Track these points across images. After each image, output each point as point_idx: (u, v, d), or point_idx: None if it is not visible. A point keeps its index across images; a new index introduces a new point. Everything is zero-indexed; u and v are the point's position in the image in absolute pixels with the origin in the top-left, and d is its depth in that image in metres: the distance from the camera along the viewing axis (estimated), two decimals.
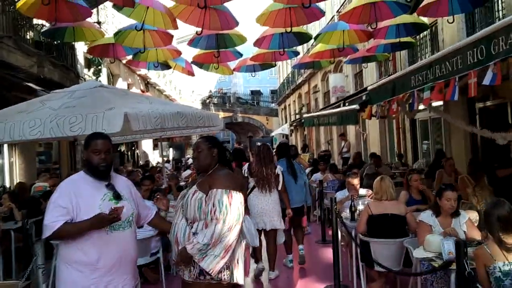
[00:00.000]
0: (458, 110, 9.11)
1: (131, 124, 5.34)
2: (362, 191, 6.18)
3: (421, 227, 4.19)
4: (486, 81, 3.69)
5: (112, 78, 18.82)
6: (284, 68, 37.39)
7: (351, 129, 18.30)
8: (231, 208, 2.97)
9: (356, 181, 6.24)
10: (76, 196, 2.99)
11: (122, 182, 3.27)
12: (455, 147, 9.89)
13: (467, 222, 4.13)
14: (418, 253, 3.78)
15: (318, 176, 10.10)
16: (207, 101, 47.11)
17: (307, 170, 10.15)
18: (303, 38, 8.79)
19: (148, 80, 24.75)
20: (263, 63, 11.10)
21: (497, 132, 4.83)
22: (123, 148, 18.85)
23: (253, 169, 6.10)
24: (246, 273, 4.09)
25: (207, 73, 57.07)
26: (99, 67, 14.18)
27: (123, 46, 9.43)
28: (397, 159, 12.52)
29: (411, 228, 4.84)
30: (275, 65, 11.49)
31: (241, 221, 3.12)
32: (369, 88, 7.25)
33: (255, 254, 6.19)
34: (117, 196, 3.10)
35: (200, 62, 10.99)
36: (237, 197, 3.04)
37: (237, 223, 3.04)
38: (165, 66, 11.65)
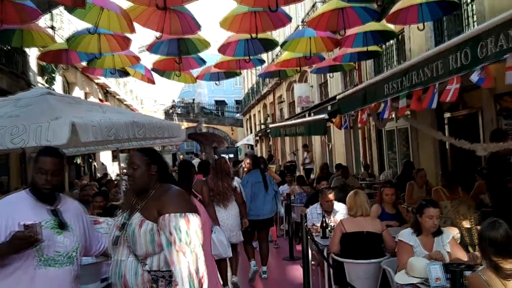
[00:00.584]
0: (426, 120, 8.94)
1: (79, 135, 4.78)
2: (337, 206, 5.81)
3: (401, 247, 3.82)
4: (474, 79, 3.36)
5: (68, 86, 17.93)
6: (249, 78, 37.12)
7: (316, 140, 18.11)
8: (191, 234, 2.45)
9: (331, 196, 5.78)
10: (8, 219, 2.49)
11: (72, 209, 2.77)
12: (424, 157, 9.73)
13: (451, 241, 3.80)
14: (400, 278, 3.40)
15: (285, 188, 9.71)
16: (170, 111, 46.20)
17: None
18: (269, 45, 8.44)
19: (107, 89, 23.90)
20: (227, 71, 10.67)
21: (475, 143, 4.58)
22: (79, 160, 17.91)
23: (209, 184, 5.95)
24: None
25: (170, 82, 55.99)
26: (53, 75, 13.37)
27: (77, 51, 8.82)
28: (363, 170, 12.32)
29: (388, 247, 4.49)
30: (240, 73, 11.08)
31: (200, 248, 2.56)
32: (338, 97, 6.93)
33: (231, 265, 6.06)
34: (61, 225, 2.62)
35: (161, 70, 10.45)
36: (195, 221, 2.50)
37: (200, 250, 2.50)
38: (123, 73, 11.03)
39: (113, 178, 19.97)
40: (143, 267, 2.49)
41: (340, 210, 5.69)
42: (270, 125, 12.19)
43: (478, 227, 4.15)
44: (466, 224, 4.08)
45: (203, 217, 5.70)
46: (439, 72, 3.92)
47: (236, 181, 6.17)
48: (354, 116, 6.41)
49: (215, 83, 11.38)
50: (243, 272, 6.54)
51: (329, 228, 5.11)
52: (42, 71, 13.45)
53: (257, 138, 32.25)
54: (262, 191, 6.47)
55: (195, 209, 2.59)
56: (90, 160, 21.03)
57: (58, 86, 15.49)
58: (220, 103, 52.76)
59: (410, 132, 10.46)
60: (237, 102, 49.42)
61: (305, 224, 4.95)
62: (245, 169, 6.92)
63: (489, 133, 6.56)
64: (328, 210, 5.68)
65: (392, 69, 5.19)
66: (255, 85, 31.95)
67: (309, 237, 4.96)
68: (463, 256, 3.70)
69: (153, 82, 11.43)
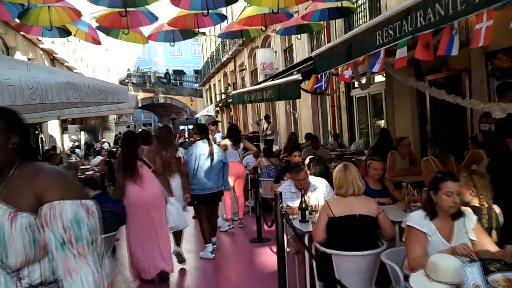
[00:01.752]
0: (403, 85, 8.11)
1: None
2: (316, 181, 4.87)
3: (411, 236, 2.91)
4: None
5: (7, 52, 16.07)
6: (208, 46, 35.58)
7: (280, 108, 17.18)
8: (92, 230, 1.64)
9: (302, 175, 4.81)
10: None
11: None
12: (400, 126, 8.97)
13: (476, 227, 2.93)
14: (419, 282, 2.48)
15: (250, 160, 8.74)
16: (126, 80, 44.05)
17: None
18: None
19: (54, 55, 21.93)
20: (184, 30, 9.43)
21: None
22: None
23: (152, 153, 5.74)
24: None
25: (124, 50, 53.72)
26: None
27: (3, 2, 7.38)
28: (332, 140, 11.49)
29: (385, 234, 3.61)
30: (198, 32, 9.84)
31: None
32: (314, 53, 5.91)
33: (175, 236, 5.85)
34: None
35: (107, 27, 9.09)
36: (94, 211, 1.68)
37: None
38: (64, 31, 9.57)
39: (62, 152, 18.47)
40: (19, 283, 1.62)
41: (320, 186, 4.77)
42: (233, 92, 11.08)
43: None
44: (485, 203, 3.23)
45: (158, 188, 5.12)
46: (458, 7, 2.98)
47: (181, 151, 6.04)
48: (335, 74, 5.45)
49: (170, 45, 10.10)
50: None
51: (309, 210, 4.18)
52: None
53: (218, 108, 31.05)
54: (207, 163, 6.00)
55: (87, 195, 1.75)
56: (37, 132, 19.30)
57: None
58: (178, 73, 50.85)
59: (384, 98, 9.66)
60: (196, 72, 47.78)
61: (280, 205, 3.99)
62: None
63: (478, 97, 5.79)
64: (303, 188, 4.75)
65: (385, 13, 4.22)
66: (214, 53, 30.51)
67: (284, 220, 4.02)
68: (492, 247, 2.85)
69: (98, 42, 9.99)
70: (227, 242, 7.13)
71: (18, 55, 16.82)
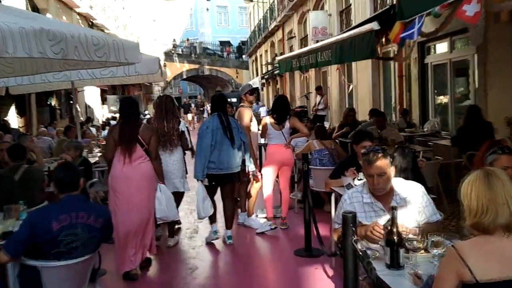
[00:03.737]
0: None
1: None
2: (404, 187, 3.03)
3: None
4: None
5: (37, 12, 14.82)
6: (256, 15, 33.57)
7: (333, 80, 15.16)
8: None
9: (377, 167, 2.94)
10: None
11: None
12: (495, 103, 6.88)
13: None
14: None
15: (300, 141, 6.95)
16: (172, 51, 42.89)
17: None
18: None
19: (92, 20, 20.64)
20: None
21: None
22: (53, 102, 15.11)
23: (152, 124, 5.38)
24: None
25: (171, 21, 52.78)
26: None
27: None
28: (398, 117, 9.42)
29: None
30: None
31: None
32: None
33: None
34: None
35: None
36: None
37: None
38: None
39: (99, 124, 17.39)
40: None
41: (414, 196, 2.91)
42: (278, 58, 9.18)
43: None
44: None
45: (149, 172, 4.54)
46: None
47: (182, 125, 5.61)
48: (438, 15, 3.51)
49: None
50: None
51: (403, 242, 2.36)
52: None
53: (263, 81, 29.22)
54: (225, 139, 5.25)
55: None
56: (71, 102, 18.23)
57: None
58: (225, 44, 49.24)
59: (475, 65, 7.53)
60: (243, 43, 45.87)
61: (353, 237, 2.22)
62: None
63: None
64: (381, 196, 2.91)
65: None
66: (262, 21, 28.47)
67: (357, 254, 2.25)
68: None
69: None
70: (263, 251, 5.47)
71: None
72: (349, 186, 3.97)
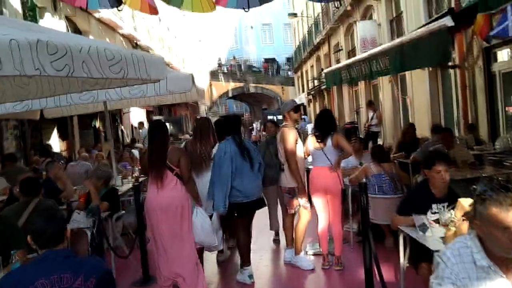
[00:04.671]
0: None
1: None
2: None
3: None
4: None
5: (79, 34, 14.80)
6: (300, 29, 32.96)
7: (385, 93, 14.12)
8: None
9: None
10: None
11: None
12: None
13: None
14: None
15: (351, 162, 6.10)
16: (217, 70, 42.98)
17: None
18: None
19: (136, 41, 20.67)
20: None
21: None
22: (97, 123, 14.96)
23: (188, 147, 5.27)
24: None
25: (216, 40, 53.27)
26: (33, 11, 10.03)
27: None
28: (466, 134, 8.31)
29: None
30: None
31: None
32: None
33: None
34: None
35: None
36: None
37: None
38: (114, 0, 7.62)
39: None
40: None
41: None
42: (326, 70, 8.34)
43: None
44: None
45: (181, 196, 4.32)
46: None
47: (215, 149, 5.07)
48: None
49: (245, 10, 7.73)
50: None
51: None
52: (24, 10, 10.21)
53: (310, 97, 28.37)
54: (245, 164, 4.82)
55: None
56: (116, 124, 18.12)
57: None
58: (270, 61, 48.96)
59: None
60: (288, 59, 45.45)
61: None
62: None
63: None
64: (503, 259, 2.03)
65: None
66: (307, 35, 27.77)
67: None
68: None
69: (155, 11, 7.91)
70: None
71: None
72: (423, 228, 3.11)
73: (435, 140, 6.77)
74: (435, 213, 3.43)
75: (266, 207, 5.45)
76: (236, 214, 4.82)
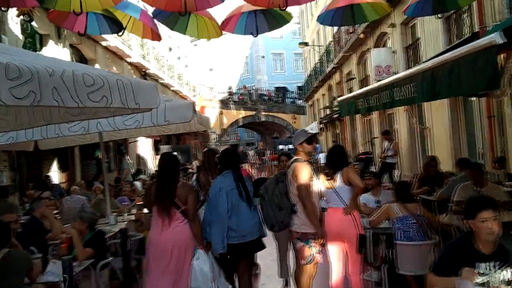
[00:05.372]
0: None
1: None
2: None
3: None
4: None
5: (85, 63, 14.48)
6: (312, 59, 32.74)
7: (401, 122, 13.48)
8: None
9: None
10: None
11: None
12: None
13: None
14: None
15: (369, 200, 5.44)
16: (228, 99, 42.75)
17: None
18: None
19: (145, 70, 20.42)
20: (269, 10, 6.55)
21: None
22: (99, 154, 14.43)
23: (201, 179, 5.42)
24: None
25: (227, 69, 53.77)
26: (33, 38, 9.63)
27: None
28: (495, 168, 7.57)
29: None
30: (291, 17, 6.88)
31: None
32: None
33: None
34: None
35: (163, 10, 6.55)
36: None
37: None
38: (115, 25, 7.16)
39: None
40: None
41: None
42: (339, 98, 7.73)
43: None
44: None
45: (186, 237, 4.17)
46: None
47: None
48: None
49: (253, 36, 7.27)
50: None
51: None
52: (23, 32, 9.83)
53: (322, 125, 27.80)
54: (241, 201, 4.54)
55: None
56: (123, 153, 17.61)
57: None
58: (281, 90, 48.90)
59: None
60: (300, 88, 45.28)
61: None
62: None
63: None
64: None
65: None
66: (318, 64, 27.42)
67: None
68: None
69: (158, 37, 7.44)
70: None
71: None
72: None
73: (462, 176, 6.08)
74: (483, 274, 2.76)
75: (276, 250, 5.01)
76: (229, 257, 4.44)
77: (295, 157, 4.55)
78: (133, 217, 6.94)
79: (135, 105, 3.33)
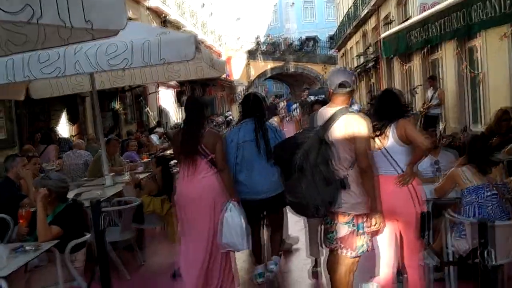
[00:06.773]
0: None
1: None
2: None
3: None
4: None
5: None
6: (344, 5, 30.56)
7: (447, 68, 11.83)
8: None
9: None
10: None
11: None
12: None
13: None
14: None
15: (426, 166, 4.21)
16: (255, 49, 41.08)
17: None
18: None
19: (165, 16, 19.04)
20: None
21: None
22: (117, 105, 13.45)
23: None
24: None
25: (255, 18, 51.70)
26: None
27: None
28: None
29: None
30: None
31: None
32: None
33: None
34: None
35: None
36: None
37: None
38: None
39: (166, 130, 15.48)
40: None
41: None
42: (384, 34, 6.32)
43: None
44: None
45: (212, 187, 3.87)
46: None
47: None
48: None
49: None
50: None
51: None
52: None
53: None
54: (256, 155, 4.02)
55: None
56: (141, 105, 16.64)
57: None
58: (311, 40, 46.83)
59: None
60: (331, 37, 43.02)
61: None
62: None
63: None
64: None
65: None
66: (352, 8, 25.35)
67: None
68: None
69: None
70: None
71: None
72: None
73: None
74: None
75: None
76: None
77: (339, 107, 3.23)
78: (139, 177, 5.96)
79: (84, 23, 2.17)
